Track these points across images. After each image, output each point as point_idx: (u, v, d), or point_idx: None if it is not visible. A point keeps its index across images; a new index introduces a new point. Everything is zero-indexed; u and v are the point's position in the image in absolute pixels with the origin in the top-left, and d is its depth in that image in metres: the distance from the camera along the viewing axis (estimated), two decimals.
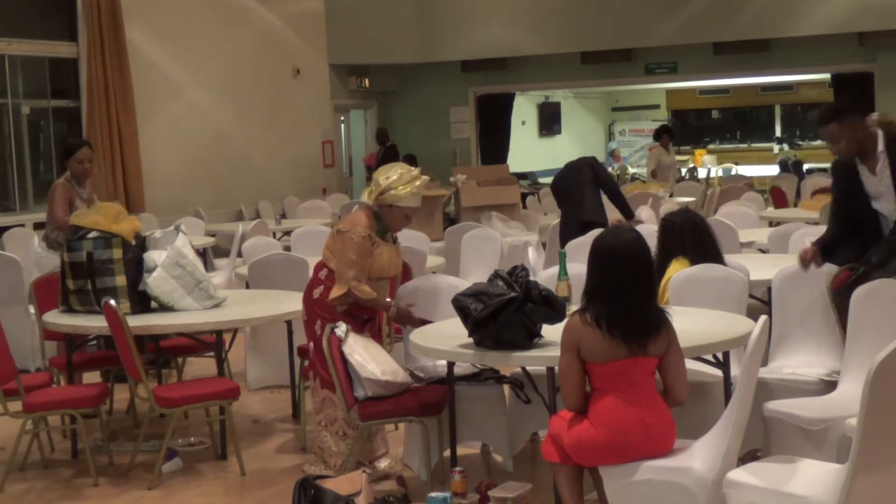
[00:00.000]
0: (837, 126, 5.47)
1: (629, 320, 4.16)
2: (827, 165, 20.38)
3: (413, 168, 5.67)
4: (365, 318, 5.64)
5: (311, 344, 5.63)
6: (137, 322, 5.90)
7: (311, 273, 5.88)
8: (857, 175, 5.55)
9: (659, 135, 15.55)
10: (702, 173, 20.20)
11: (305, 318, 5.69)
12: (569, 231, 9.19)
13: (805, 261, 5.59)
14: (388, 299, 5.64)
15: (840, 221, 5.70)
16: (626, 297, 4.19)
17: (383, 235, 5.58)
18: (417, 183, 5.55)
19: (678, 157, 18.56)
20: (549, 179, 20.03)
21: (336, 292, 5.47)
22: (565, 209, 9.78)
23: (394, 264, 5.67)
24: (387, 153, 16.77)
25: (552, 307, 4.71)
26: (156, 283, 6.13)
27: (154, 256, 6.21)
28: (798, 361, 5.56)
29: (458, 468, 5.02)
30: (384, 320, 5.90)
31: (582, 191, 9.60)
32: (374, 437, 5.71)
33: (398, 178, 5.52)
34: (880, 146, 5.48)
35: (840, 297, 5.29)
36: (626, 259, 4.23)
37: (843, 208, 5.70)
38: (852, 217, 5.61)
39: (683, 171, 19.55)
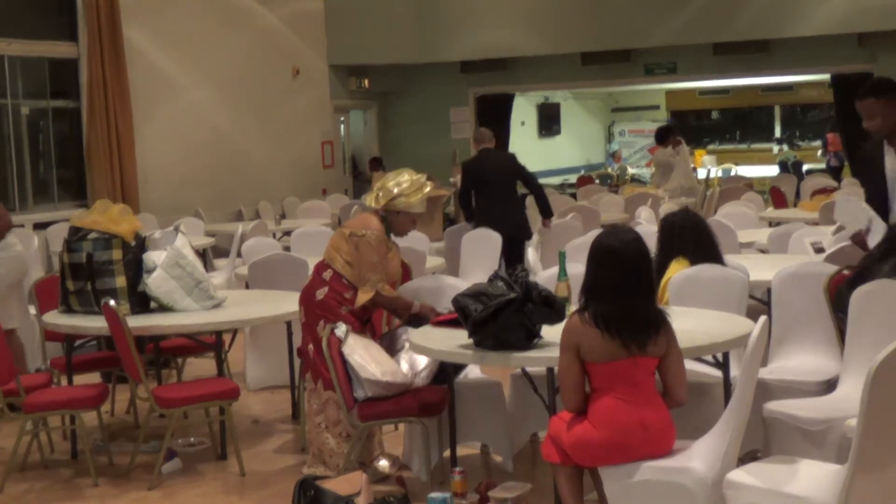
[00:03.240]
0: (875, 102, 5.42)
1: (626, 320, 4.16)
2: (825, 166, 20.43)
3: (419, 174, 5.71)
4: (365, 319, 5.65)
5: (311, 345, 5.63)
6: (137, 323, 5.90)
7: (310, 273, 5.88)
8: (882, 155, 5.50)
9: (662, 137, 14.67)
10: (701, 174, 20.22)
11: (304, 320, 5.69)
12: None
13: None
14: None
15: (869, 201, 5.69)
16: (622, 296, 4.19)
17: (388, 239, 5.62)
18: (427, 189, 5.64)
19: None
20: (549, 180, 20.13)
21: (363, 297, 5.48)
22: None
23: (399, 268, 5.72)
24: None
25: (552, 307, 4.71)
26: (155, 283, 6.13)
27: (154, 257, 6.21)
28: (798, 362, 5.57)
29: (458, 468, 5.02)
30: (383, 321, 5.91)
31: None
32: (373, 438, 5.72)
33: (409, 185, 5.58)
34: None
35: (841, 299, 5.27)
36: (622, 259, 4.23)
37: (869, 187, 5.69)
38: (874, 197, 5.57)
39: None
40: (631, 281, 4.21)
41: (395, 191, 5.56)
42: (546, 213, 10.12)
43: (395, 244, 5.72)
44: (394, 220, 5.61)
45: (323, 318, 5.51)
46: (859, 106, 5.52)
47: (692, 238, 5.78)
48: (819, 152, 22.77)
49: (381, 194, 5.59)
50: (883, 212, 5.49)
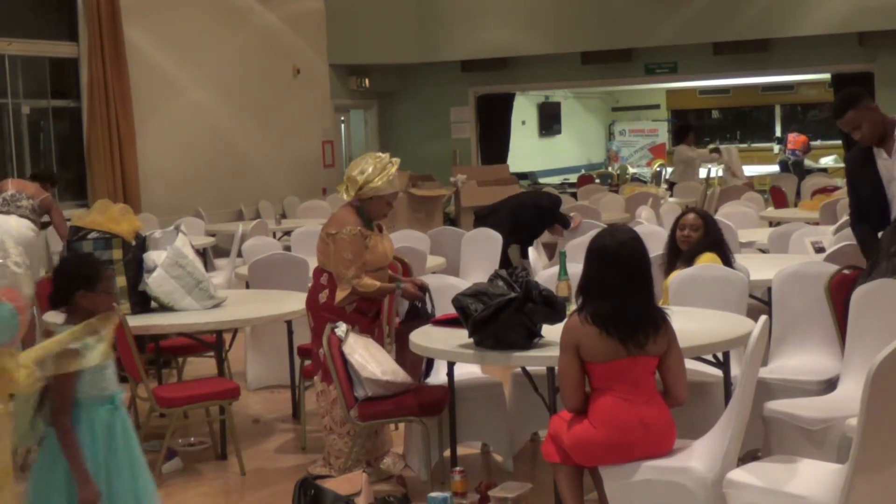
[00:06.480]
0: (855, 112, 5.46)
1: (622, 319, 4.16)
2: (825, 165, 20.45)
3: (382, 155, 5.71)
4: (373, 314, 5.66)
5: (321, 350, 5.61)
6: (137, 322, 5.90)
7: (310, 275, 5.89)
8: (872, 160, 5.52)
9: (681, 135, 15.87)
10: (702, 173, 20.21)
11: (313, 325, 5.68)
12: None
13: None
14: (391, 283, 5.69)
15: (854, 209, 5.72)
16: (618, 295, 4.19)
17: (370, 228, 5.61)
18: (393, 169, 5.62)
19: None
20: (549, 179, 20.11)
21: (340, 294, 5.50)
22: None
23: (388, 252, 5.74)
24: None
25: (552, 307, 4.71)
26: (156, 283, 6.14)
27: (154, 257, 6.21)
28: (798, 361, 5.57)
29: (458, 468, 5.02)
30: (384, 319, 5.91)
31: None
32: (376, 436, 5.71)
33: (373, 171, 5.57)
34: None
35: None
36: (616, 258, 4.22)
37: (856, 196, 5.69)
38: (863, 205, 5.60)
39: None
40: (627, 280, 4.21)
41: (361, 179, 5.57)
42: (564, 224, 10.20)
43: (380, 230, 5.72)
44: (368, 206, 5.62)
45: (329, 321, 5.51)
46: (842, 123, 5.55)
47: (720, 234, 6.09)
48: (777, 149, 22.99)
49: (349, 185, 5.62)
50: (879, 215, 5.50)
